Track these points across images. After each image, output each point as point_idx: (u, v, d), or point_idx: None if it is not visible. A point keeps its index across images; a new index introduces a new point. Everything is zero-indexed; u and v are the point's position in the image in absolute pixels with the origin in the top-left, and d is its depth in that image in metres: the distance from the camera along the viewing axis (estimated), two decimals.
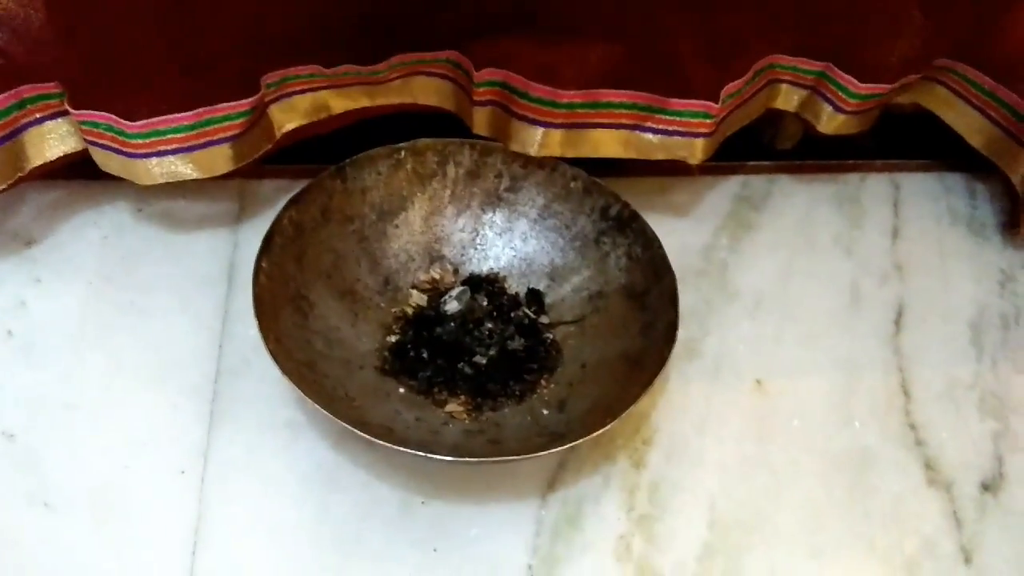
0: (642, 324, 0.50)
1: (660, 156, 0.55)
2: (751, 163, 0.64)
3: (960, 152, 0.61)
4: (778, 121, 0.62)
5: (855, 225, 0.61)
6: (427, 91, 0.56)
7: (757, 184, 0.63)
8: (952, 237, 0.61)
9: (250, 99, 0.50)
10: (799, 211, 0.61)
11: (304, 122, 0.54)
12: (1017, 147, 0.60)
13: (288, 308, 0.47)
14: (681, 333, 0.53)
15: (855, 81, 0.55)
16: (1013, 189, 0.60)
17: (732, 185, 0.62)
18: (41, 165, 0.51)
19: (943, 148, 0.63)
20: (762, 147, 0.64)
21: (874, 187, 0.63)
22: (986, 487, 0.49)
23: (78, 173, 0.53)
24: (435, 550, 0.44)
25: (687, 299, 0.55)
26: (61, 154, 0.51)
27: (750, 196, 0.62)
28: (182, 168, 0.51)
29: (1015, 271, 0.60)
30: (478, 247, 0.55)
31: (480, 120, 0.55)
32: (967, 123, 0.61)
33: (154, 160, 0.50)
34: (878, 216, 0.62)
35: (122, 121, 0.48)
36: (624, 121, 0.53)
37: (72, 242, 0.54)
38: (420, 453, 0.41)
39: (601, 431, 0.43)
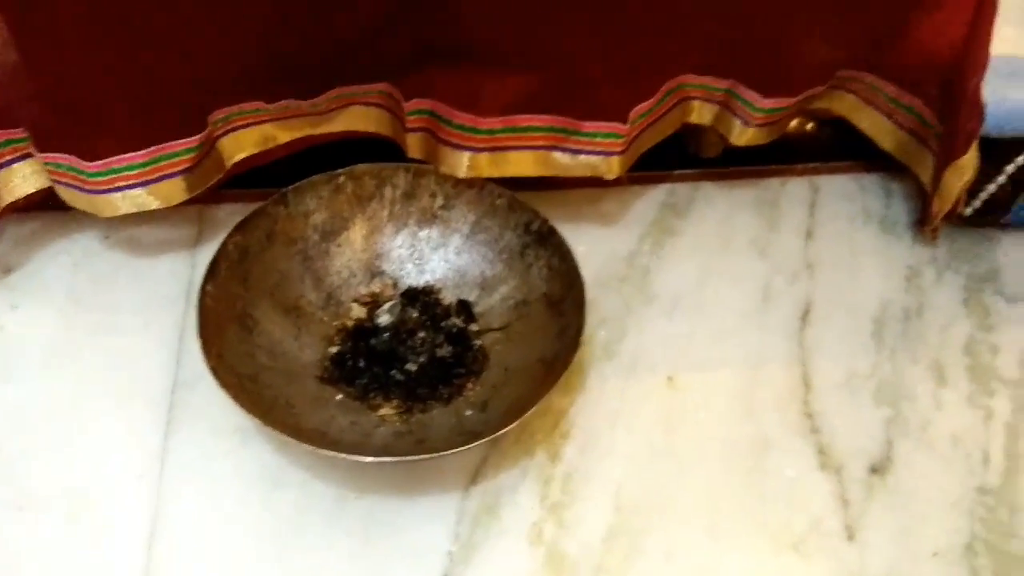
0: (558, 329, 0.54)
1: (578, 174, 0.60)
2: (677, 172, 0.68)
3: (879, 153, 0.66)
4: (701, 131, 0.67)
5: (771, 228, 0.65)
6: (365, 119, 0.61)
7: (682, 191, 0.67)
8: (864, 236, 0.65)
9: (198, 136, 0.55)
10: (720, 216, 0.66)
11: (252, 152, 0.59)
12: (923, 149, 0.64)
13: (234, 325, 0.53)
14: (601, 335, 0.59)
15: (759, 97, 0.60)
16: (925, 188, 0.65)
17: (659, 193, 0.67)
18: (13, 202, 0.56)
19: (866, 149, 0.67)
20: (688, 156, 0.69)
21: (793, 191, 0.68)
22: (874, 470, 0.54)
23: (50, 205, 0.59)
24: (367, 539, 0.50)
25: (609, 303, 0.61)
26: (31, 191, 0.57)
27: (675, 203, 0.66)
28: (143, 199, 0.56)
29: (921, 266, 0.64)
30: (415, 261, 0.60)
31: (413, 145, 0.60)
32: (877, 128, 0.65)
33: (116, 195, 0.55)
34: (794, 218, 0.66)
35: (82, 162, 0.53)
36: (541, 143, 0.58)
37: (45, 269, 0.59)
38: (343, 455, 0.47)
39: (507, 429, 0.48)
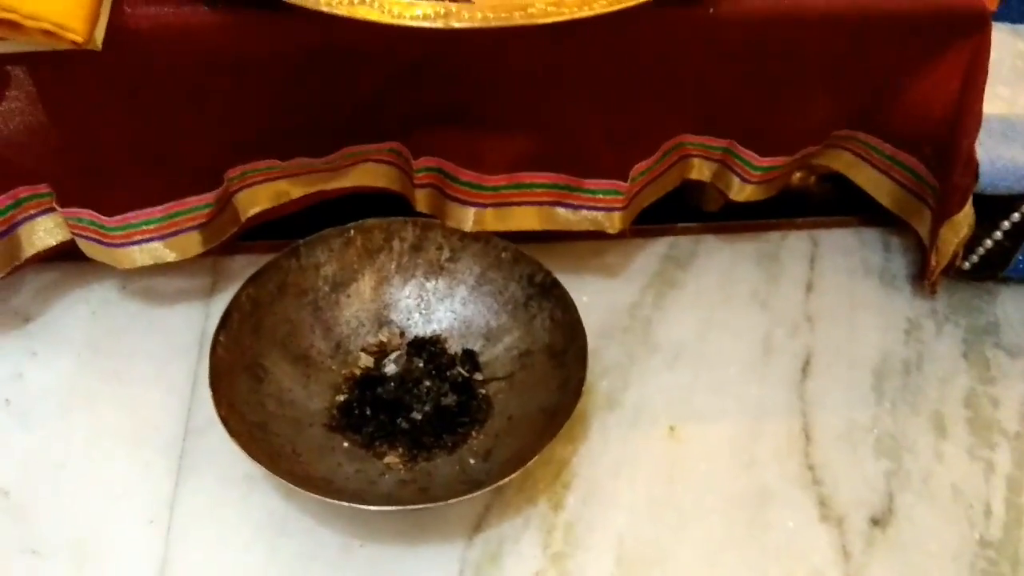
0: (561, 380, 0.56)
1: (581, 228, 0.61)
2: (680, 225, 0.70)
3: (879, 207, 0.67)
4: (702, 186, 0.68)
5: (772, 280, 0.66)
6: (375, 175, 0.63)
7: (684, 244, 0.69)
8: (863, 289, 0.66)
9: (214, 192, 0.58)
10: (721, 268, 0.67)
11: (266, 207, 0.61)
12: (920, 205, 0.65)
13: (244, 375, 0.54)
14: (603, 385, 0.60)
15: (756, 156, 0.61)
16: (924, 242, 0.66)
17: (660, 246, 0.68)
18: (36, 253, 0.59)
19: (866, 203, 0.68)
20: (691, 209, 0.70)
21: (793, 244, 0.69)
22: (875, 522, 0.54)
23: (70, 256, 0.60)
24: None
25: (612, 354, 0.62)
26: (53, 244, 0.59)
27: (677, 256, 0.68)
28: (160, 252, 0.58)
29: (921, 319, 0.65)
30: (422, 312, 0.62)
31: (421, 200, 0.62)
32: (874, 185, 0.66)
33: (134, 248, 0.58)
34: (794, 271, 0.67)
35: (101, 217, 0.56)
36: (545, 199, 0.60)
37: (64, 318, 0.61)
38: (349, 503, 0.48)
39: (509, 478, 0.49)
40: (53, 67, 0.50)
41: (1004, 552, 0.53)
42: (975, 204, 0.62)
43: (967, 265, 0.65)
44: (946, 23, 0.57)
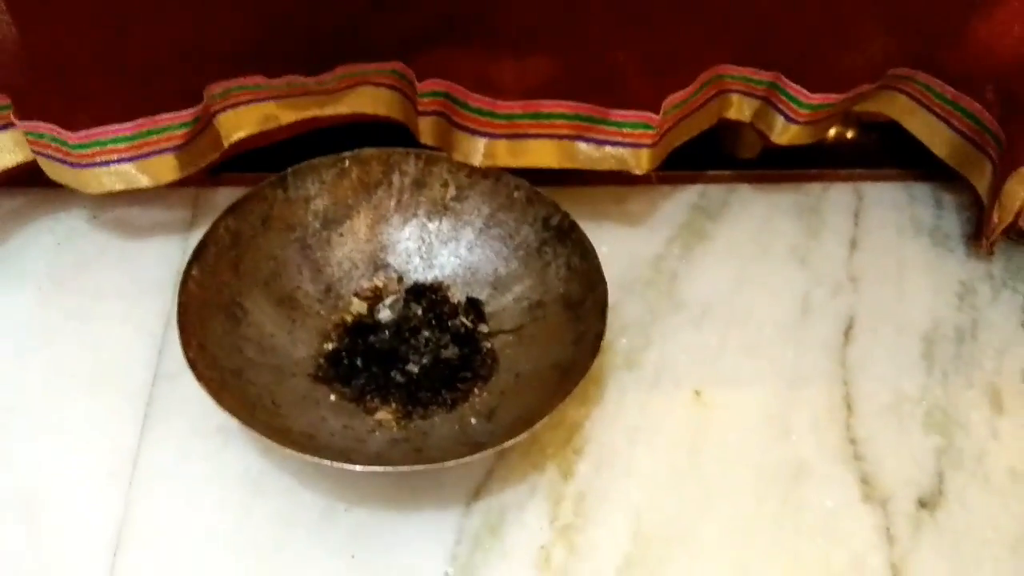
0: (575, 334, 0.50)
1: (604, 167, 0.55)
2: (711, 172, 0.63)
3: (930, 161, 0.61)
4: (739, 130, 0.62)
5: (812, 235, 0.60)
6: (374, 101, 0.56)
7: (715, 193, 0.62)
8: (913, 248, 0.60)
9: (191, 110, 0.51)
10: (756, 221, 0.61)
11: (253, 132, 0.55)
12: (981, 156, 0.59)
13: (219, 315, 0.48)
14: (622, 343, 0.54)
15: (806, 92, 0.55)
16: (980, 200, 0.59)
17: (690, 195, 0.62)
18: None
19: (915, 157, 0.62)
20: (723, 156, 0.64)
21: (836, 197, 0.63)
22: (923, 504, 0.48)
23: (36, 181, 0.54)
24: (353, 557, 0.45)
25: (632, 309, 0.56)
26: (13, 164, 0.53)
27: (707, 206, 0.62)
28: (131, 175, 0.52)
29: (976, 283, 0.58)
30: (423, 255, 0.56)
31: (425, 129, 0.55)
32: (930, 132, 0.60)
33: (101, 169, 0.51)
34: (837, 226, 0.61)
35: (64, 132, 0.49)
36: (565, 132, 0.53)
37: (26, 248, 0.55)
38: (332, 462, 0.42)
39: (515, 440, 0.43)
40: None
41: None
42: None
43: None
44: None
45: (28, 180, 0.55)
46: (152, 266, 0.55)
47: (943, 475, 0.50)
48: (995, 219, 0.57)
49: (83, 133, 0.49)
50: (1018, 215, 0.57)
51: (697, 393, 0.52)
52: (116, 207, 0.57)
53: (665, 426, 0.50)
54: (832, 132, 0.65)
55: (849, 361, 0.54)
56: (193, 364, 0.44)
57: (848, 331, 0.55)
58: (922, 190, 0.63)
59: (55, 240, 0.56)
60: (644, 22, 0.50)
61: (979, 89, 0.57)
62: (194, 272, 0.48)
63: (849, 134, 0.67)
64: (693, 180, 0.63)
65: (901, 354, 0.54)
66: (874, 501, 0.48)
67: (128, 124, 0.50)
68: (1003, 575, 0.46)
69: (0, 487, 0.46)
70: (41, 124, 0.49)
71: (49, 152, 0.51)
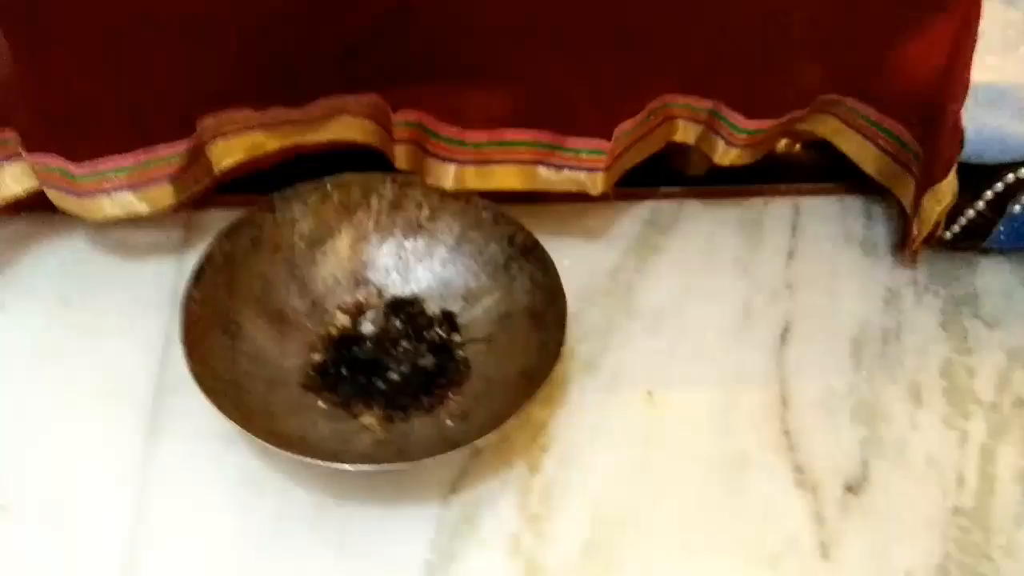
0: (539, 342, 0.55)
1: (563, 188, 0.60)
2: (662, 189, 0.69)
3: (862, 176, 0.66)
4: (687, 150, 0.67)
5: (754, 247, 0.66)
6: (353, 129, 0.61)
7: (667, 209, 0.68)
8: (845, 257, 0.66)
9: (185, 140, 0.56)
10: (703, 234, 0.66)
11: (241, 159, 0.60)
12: (904, 173, 0.65)
13: (217, 331, 0.53)
14: (583, 349, 0.59)
15: (742, 118, 0.60)
16: (906, 211, 0.65)
17: (643, 210, 0.67)
18: (2, 203, 0.57)
19: (849, 171, 0.68)
20: (674, 173, 0.70)
21: (776, 211, 0.68)
22: (850, 488, 0.54)
23: (39, 207, 0.59)
24: (343, 546, 0.50)
25: (592, 318, 0.61)
26: (20, 192, 0.57)
27: (659, 220, 0.67)
28: (130, 202, 0.56)
29: (901, 289, 0.65)
30: (400, 271, 0.61)
31: (400, 156, 0.60)
32: (859, 151, 0.66)
33: (103, 197, 0.56)
34: (776, 238, 0.67)
35: (69, 164, 0.54)
36: (527, 158, 0.59)
37: (32, 270, 0.59)
38: (323, 462, 0.47)
39: (486, 437, 0.49)
40: (17, 5, 0.48)
41: (976, 520, 0.54)
42: (959, 173, 0.61)
43: (948, 235, 0.65)
44: None
45: (31, 206, 0.59)
46: (150, 285, 0.59)
47: (868, 463, 0.56)
48: (915, 230, 0.63)
49: (87, 165, 0.54)
50: (936, 227, 0.63)
51: (649, 393, 0.58)
52: (115, 230, 0.61)
53: (621, 424, 0.56)
54: (781, 144, 0.71)
55: (785, 361, 0.60)
56: (198, 377, 0.48)
57: (784, 334, 0.61)
58: (854, 203, 0.69)
59: (59, 262, 0.60)
60: (595, 58, 0.55)
61: (901, 112, 0.62)
62: (194, 293, 0.52)
63: (796, 147, 0.73)
64: (646, 196, 0.68)
65: (832, 354, 0.60)
66: (806, 487, 0.54)
67: (128, 155, 0.54)
68: (919, 550, 0.52)
69: (17, 494, 0.51)
70: (48, 157, 0.54)
71: (55, 182, 0.55)
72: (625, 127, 0.59)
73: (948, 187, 0.61)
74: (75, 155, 0.53)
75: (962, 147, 0.60)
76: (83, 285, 0.59)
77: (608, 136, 0.58)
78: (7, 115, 0.53)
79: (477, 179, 0.59)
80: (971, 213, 0.64)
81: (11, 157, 0.56)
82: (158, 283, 0.60)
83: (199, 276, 0.53)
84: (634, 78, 0.57)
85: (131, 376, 0.55)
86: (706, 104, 0.61)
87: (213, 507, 0.51)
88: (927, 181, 0.61)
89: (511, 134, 0.58)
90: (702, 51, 0.58)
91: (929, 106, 0.60)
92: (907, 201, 0.65)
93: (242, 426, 0.47)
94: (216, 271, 0.54)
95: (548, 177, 0.59)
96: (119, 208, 0.56)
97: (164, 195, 0.57)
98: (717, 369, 0.59)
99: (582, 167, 0.59)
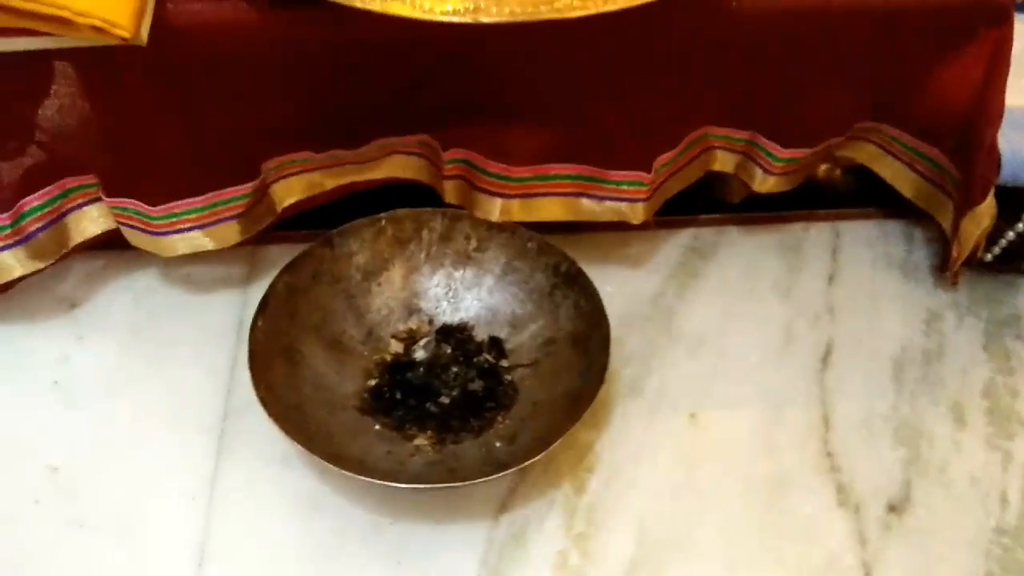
0: (584, 366, 0.57)
1: (605, 219, 0.63)
2: (703, 216, 0.71)
3: (901, 200, 0.67)
4: (726, 177, 0.69)
5: (794, 271, 0.67)
6: (405, 167, 0.64)
7: (707, 236, 0.70)
8: (885, 280, 0.67)
9: (251, 183, 0.60)
10: (743, 260, 0.68)
11: (301, 198, 0.63)
12: (943, 196, 0.66)
13: (280, 359, 0.57)
14: (626, 372, 0.62)
15: (779, 147, 0.62)
16: (946, 234, 0.66)
17: (684, 237, 0.69)
18: (83, 241, 0.61)
19: (888, 196, 0.69)
20: (714, 201, 0.72)
21: (816, 236, 0.70)
22: (892, 508, 0.55)
23: (114, 244, 0.63)
24: (399, 563, 0.52)
25: (635, 342, 0.63)
26: (98, 232, 0.61)
27: (700, 247, 0.69)
28: (200, 240, 0.60)
29: (942, 311, 0.65)
30: (450, 300, 0.64)
31: (450, 191, 0.63)
32: (897, 176, 0.67)
33: (175, 236, 0.60)
34: (816, 262, 0.68)
35: (146, 206, 0.58)
36: (569, 190, 0.61)
37: (109, 304, 0.64)
38: (379, 481, 0.50)
39: (533, 459, 0.51)
40: (99, 62, 0.52)
41: (1019, 539, 0.54)
42: (997, 196, 0.62)
43: (989, 257, 0.66)
44: (969, 15, 0.57)
45: (106, 244, 0.64)
46: (217, 316, 0.63)
47: (910, 483, 0.57)
48: (955, 254, 0.64)
49: (162, 207, 0.58)
50: (975, 249, 0.64)
51: (692, 416, 0.59)
52: (184, 265, 0.65)
53: (665, 445, 0.58)
54: (821, 169, 0.73)
55: (827, 383, 0.61)
56: (264, 402, 0.52)
57: (826, 357, 0.63)
58: (894, 227, 0.70)
59: (133, 296, 0.64)
60: (634, 95, 0.58)
61: (937, 137, 0.63)
62: (260, 323, 0.56)
63: (836, 172, 0.75)
64: (687, 224, 0.70)
65: (873, 376, 0.62)
66: (848, 507, 0.55)
67: (200, 197, 0.58)
68: (962, 570, 0.53)
69: (98, 510, 0.54)
70: (126, 200, 0.58)
71: (132, 223, 0.59)
72: (664, 159, 0.61)
73: (987, 210, 0.62)
74: (152, 199, 0.57)
75: (999, 170, 0.61)
76: (155, 317, 0.63)
77: (648, 168, 0.60)
78: (88, 163, 0.58)
79: (522, 211, 0.62)
80: (1011, 235, 0.65)
81: (92, 201, 0.60)
82: (224, 314, 0.63)
83: (264, 307, 0.57)
84: (671, 112, 0.60)
85: (199, 401, 0.59)
86: (743, 134, 0.63)
87: (275, 524, 0.54)
88: (965, 204, 0.62)
89: (555, 168, 0.60)
90: (738, 84, 0.60)
91: (965, 131, 0.61)
92: (946, 224, 0.66)
93: (306, 447, 0.50)
94: (280, 302, 0.58)
95: (591, 208, 0.62)
96: (189, 245, 0.60)
97: (231, 233, 0.61)
98: (759, 391, 0.61)
99: (623, 198, 0.61)
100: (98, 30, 0.47)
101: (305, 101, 0.57)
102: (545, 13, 0.49)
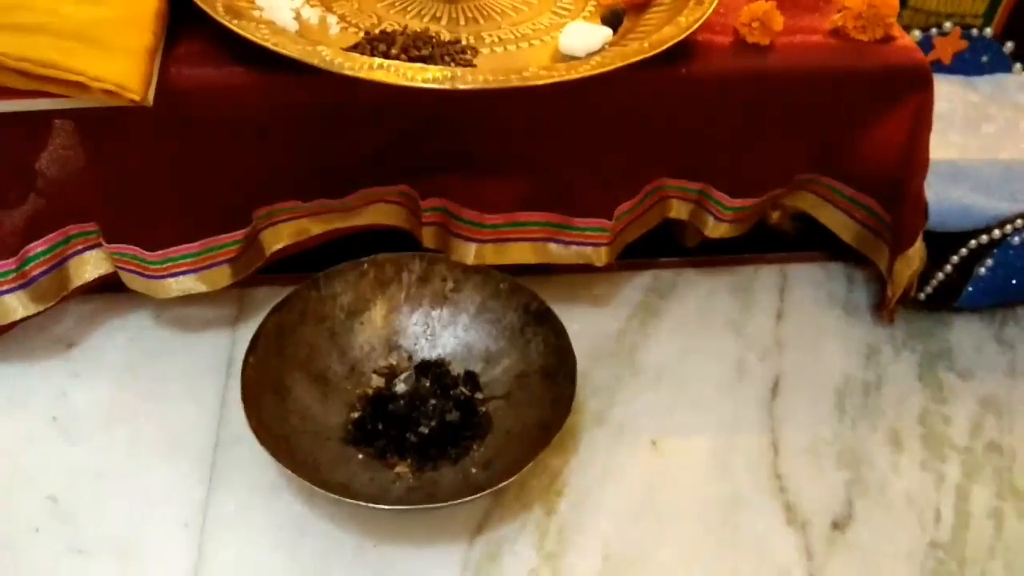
0: (552, 398, 0.62)
1: (571, 261, 0.68)
2: (661, 259, 0.76)
3: (843, 244, 0.74)
4: (682, 223, 0.75)
5: (745, 309, 0.73)
6: (387, 215, 0.69)
7: (666, 277, 0.75)
8: (828, 317, 0.73)
9: (243, 230, 0.64)
10: (699, 299, 0.74)
11: (289, 243, 0.68)
12: (879, 241, 0.72)
13: (270, 393, 0.60)
14: (592, 403, 0.66)
15: (728, 197, 0.68)
16: (883, 275, 0.72)
17: (644, 278, 0.75)
18: (80, 285, 0.65)
19: (831, 240, 0.75)
20: (672, 245, 0.77)
21: (765, 277, 0.76)
22: (836, 525, 0.60)
23: (109, 287, 0.67)
24: None
25: (600, 375, 0.68)
26: (97, 276, 0.65)
27: (659, 287, 0.74)
28: (193, 284, 0.65)
29: (880, 345, 0.71)
30: (428, 337, 0.68)
31: (428, 236, 0.68)
32: (837, 223, 0.73)
33: (170, 280, 0.64)
34: (766, 301, 0.74)
35: (144, 252, 0.62)
36: (538, 236, 0.67)
37: (104, 343, 0.67)
38: (364, 503, 0.54)
39: (506, 482, 0.55)
40: (103, 120, 0.57)
41: (952, 553, 0.59)
42: (927, 240, 0.69)
43: (922, 296, 0.72)
44: (895, 81, 0.64)
45: (102, 287, 0.67)
46: (207, 354, 0.67)
47: (852, 502, 0.62)
48: (890, 293, 0.70)
49: (160, 252, 0.62)
50: (909, 288, 0.70)
51: (653, 442, 0.64)
52: (176, 306, 0.69)
53: (628, 470, 0.62)
54: (773, 216, 0.78)
55: (776, 412, 0.66)
56: (256, 432, 0.56)
57: (775, 388, 0.68)
58: (837, 269, 0.76)
59: (127, 336, 0.68)
60: (596, 151, 0.64)
61: (872, 188, 0.70)
62: (251, 359, 0.60)
63: (786, 219, 0.81)
64: (647, 266, 0.75)
65: (818, 405, 0.67)
66: (795, 524, 0.60)
67: (195, 243, 0.63)
68: None
69: (95, 537, 0.57)
70: (126, 247, 0.62)
71: (130, 267, 0.63)
72: (624, 207, 0.67)
73: (916, 253, 0.68)
74: (150, 246, 0.62)
75: (927, 217, 0.68)
76: (148, 355, 0.67)
77: (610, 216, 0.66)
78: (91, 212, 0.62)
79: (495, 255, 0.67)
80: (941, 276, 0.71)
81: (92, 247, 0.64)
82: (214, 353, 0.67)
83: (255, 344, 0.61)
84: (630, 166, 0.66)
85: (192, 434, 0.62)
86: (696, 186, 0.69)
87: (264, 548, 0.57)
88: (898, 248, 0.68)
89: (525, 216, 0.66)
90: (689, 141, 0.66)
91: (895, 182, 0.67)
92: (883, 266, 0.72)
93: (297, 474, 0.54)
94: (269, 340, 0.62)
95: (558, 252, 0.67)
96: (183, 288, 0.64)
97: (222, 276, 0.65)
98: (714, 419, 0.65)
99: (588, 243, 0.67)
100: (111, 93, 0.51)
101: (295, 156, 0.62)
102: (515, 81, 0.55)
